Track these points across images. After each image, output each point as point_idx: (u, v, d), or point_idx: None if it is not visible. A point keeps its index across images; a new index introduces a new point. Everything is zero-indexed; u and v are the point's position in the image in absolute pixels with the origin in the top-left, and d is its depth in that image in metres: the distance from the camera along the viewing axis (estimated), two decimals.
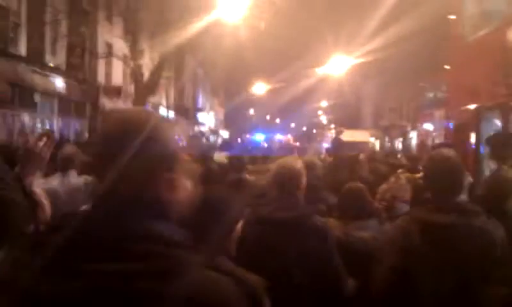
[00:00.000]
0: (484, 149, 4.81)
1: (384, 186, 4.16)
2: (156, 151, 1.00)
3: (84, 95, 18.39)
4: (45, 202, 2.24)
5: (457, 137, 5.44)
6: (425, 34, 20.27)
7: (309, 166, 3.20)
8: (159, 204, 1.00)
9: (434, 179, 2.24)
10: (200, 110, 41.83)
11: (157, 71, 17.56)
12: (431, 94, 16.65)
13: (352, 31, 25.23)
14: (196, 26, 19.78)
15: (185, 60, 33.15)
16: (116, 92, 20.31)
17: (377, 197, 3.95)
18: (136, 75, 16.86)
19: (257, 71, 37.36)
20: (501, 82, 4.20)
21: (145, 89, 16.89)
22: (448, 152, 2.38)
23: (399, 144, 34.11)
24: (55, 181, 3.88)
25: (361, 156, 13.56)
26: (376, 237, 2.83)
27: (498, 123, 4.87)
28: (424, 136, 15.93)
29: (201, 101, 43.94)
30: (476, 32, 5.14)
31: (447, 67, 10.98)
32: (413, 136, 29.52)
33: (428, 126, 17.37)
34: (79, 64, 17.72)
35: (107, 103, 20.24)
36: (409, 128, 30.90)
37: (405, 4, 19.30)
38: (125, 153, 0.96)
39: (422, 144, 15.32)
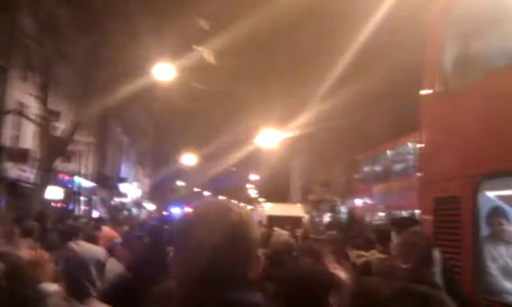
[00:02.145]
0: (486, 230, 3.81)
1: None
2: (250, 237, 1.32)
3: None
4: None
5: (439, 214, 4.38)
6: (359, 109, 20.57)
7: None
8: (247, 277, 1.30)
9: (406, 256, 2.76)
10: (123, 180, 39.13)
11: (70, 134, 15.61)
12: (367, 168, 16.32)
13: (283, 105, 25.29)
14: (124, 90, 18.41)
15: (109, 126, 31.20)
16: (23, 156, 17.78)
17: None
18: (44, 136, 14.78)
19: (186, 142, 36.24)
20: (509, 139, 3.27)
21: (54, 152, 14.79)
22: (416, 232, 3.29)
23: (327, 219, 33.88)
24: None
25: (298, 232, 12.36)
26: None
27: (492, 196, 3.92)
28: (360, 211, 15.31)
29: (124, 170, 41.34)
30: (461, 82, 4.31)
31: (413, 140, 10.58)
32: (343, 211, 29.39)
33: (362, 201, 16.87)
34: None
35: (10, 167, 17.63)
36: (338, 203, 30.85)
37: (338, 81, 19.55)
38: (223, 240, 1.26)
39: (360, 219, 14.64)
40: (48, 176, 15.89)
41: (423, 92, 4.80)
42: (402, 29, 14.83)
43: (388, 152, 14.01)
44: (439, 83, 4.57)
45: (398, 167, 13.14)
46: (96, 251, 2.82)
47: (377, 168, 15.01)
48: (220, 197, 57.68)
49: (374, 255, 5.22)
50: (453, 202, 4.15)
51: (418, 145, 5.33)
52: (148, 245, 4.71)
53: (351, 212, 19.22)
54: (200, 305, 1.22)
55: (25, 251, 3.28)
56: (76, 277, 2.54)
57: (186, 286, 1.26)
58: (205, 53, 12.91)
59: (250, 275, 1.29)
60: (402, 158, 12.89)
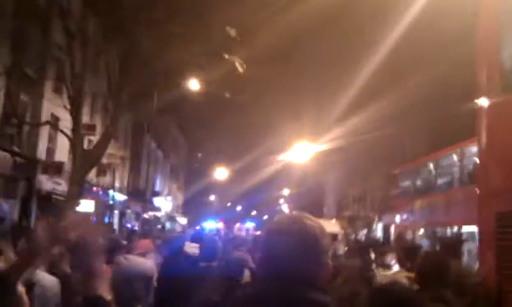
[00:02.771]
0: None
1: None
2: (321, 247, 1.55)
3: (18, 170, 15.94)
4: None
5: (502, 232, 3.72)
6: (395, 120, 19.79)
7: None
8: (319, 280, 1.53)
9: (423, 275, 2.96)
10: (157, 194, 39.36)
11: (100, 146, 15.59)
12: (406, 183, 15.43)
13: (315, 118, 24.70)
14: (155, 103, 18.36)
15: (143, 140, 31.47)
16: (57, 169, 17.91)
17: None
18: (77, 149, 14.79)
19: (218, 156, 36.16)
20: None
21: (86, 165, 14.77)
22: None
23: (362, 236, 32.85)
24: None
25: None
26: None
27: None
28: (402, 228, 14.43)
29: (158, 184, 41.60)
30: None
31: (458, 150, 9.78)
32: (379, 227, 28.31)
33: (401, 217, 15.97)
34: (14, 135, 15.52)
35: (45, 181, 17.78)
36: (376, 219, 29.71)
37: (372, 92, 18.87)
38: (301, 251, 1.52)
39: (399, 237, 13.77)
40: (81, 189, 15.90)
41: (478, 94, 4.19)
42: (438, 36, 14.13)
43: (430, 165, 13.14)
44: (497, 83, 3.96)
45: (441, 180, 12.26)
46: (143, 266, 2.78)
47: (418, 182, 14.13)
48: (253, 212, 57.14)
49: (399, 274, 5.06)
50: None
51: (476, 154, 4.70)
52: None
53: (388, 229, 18.28)
54: (279, 299, 1.46)
55: None
56: (120, 291, 2.51)
57: (267, 283, 1.52)
58: (236, 62, 12.59)
59: (321, 278, 1.53)
60: (446, 171, 12.03)
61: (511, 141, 3.71)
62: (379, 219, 28.35)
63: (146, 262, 3.06)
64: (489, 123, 3.99)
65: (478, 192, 4.21)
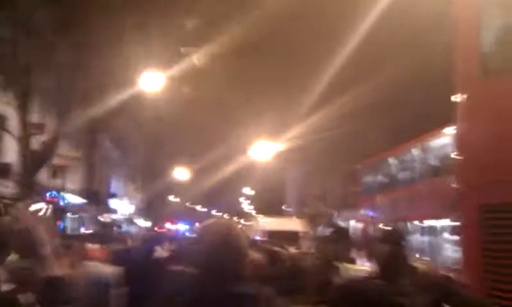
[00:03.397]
0: None
1: None
2: (244, 247, 1.95)
3: None
4: None
5: (487, 225, 3.53)
6: (354, 117, 19.92)
7: None
8: (244, 274, 1.88)
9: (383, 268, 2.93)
10: (113, 195, 38.01)
11: (50, 147, 14.68)
12: (368, 178, 15.49)
13: (275, 116, 24.55)
14: (110, 100, 17.58)
15: (97, 139, 30.22)
16: (4, 171, 16.74)
17: None
18: (25, 150, 13.83)
19: (178, 155, 35.33)
20: None
21: (34, 166, 13.86)
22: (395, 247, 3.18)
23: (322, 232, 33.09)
24: None
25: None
26: None
27: None
28: (366, 223, 14.45)
29: (114, 186, 40.20)
30: (506, 61, 3.52)
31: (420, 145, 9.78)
32: (341, 225, 28.63)
33: (363, 213, 16.04)
34: None
35: None
36: (335, 216, 30.04)
37: (331, 89, 18.89)
38: (227, 251, 1.86)
39: (365, 231, 13.81)
40: (29, 192, 14.94)
41: (457, 81, 4.01)
42: (398, 31, 14.25)
43: (392, 159, 13.20)
44: (478, 65, 3.78)
45: (405, 175, 12.32)
46: (105, 272, 2.90)
47: (381, 177, 14.18)
48: (213, 211, 56.70)
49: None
50: (507, 210, 3.33)
51: (448, 145, 4.53)
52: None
53: (348, 226, 18.38)
54: (210, 294, 1.78)
55: None
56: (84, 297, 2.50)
57: (199, 280, 1.84)
58: (194, 55, 12.08)
59: (245, 273, 1.88)
60: (409, 165, 12.09)
61: (493, 128, 3.53)
62: (339, 216, 28.69)
63: (108, 269, 3.08)
64: (469, 110, 3.80)
65: (457, 185, 4.02)
